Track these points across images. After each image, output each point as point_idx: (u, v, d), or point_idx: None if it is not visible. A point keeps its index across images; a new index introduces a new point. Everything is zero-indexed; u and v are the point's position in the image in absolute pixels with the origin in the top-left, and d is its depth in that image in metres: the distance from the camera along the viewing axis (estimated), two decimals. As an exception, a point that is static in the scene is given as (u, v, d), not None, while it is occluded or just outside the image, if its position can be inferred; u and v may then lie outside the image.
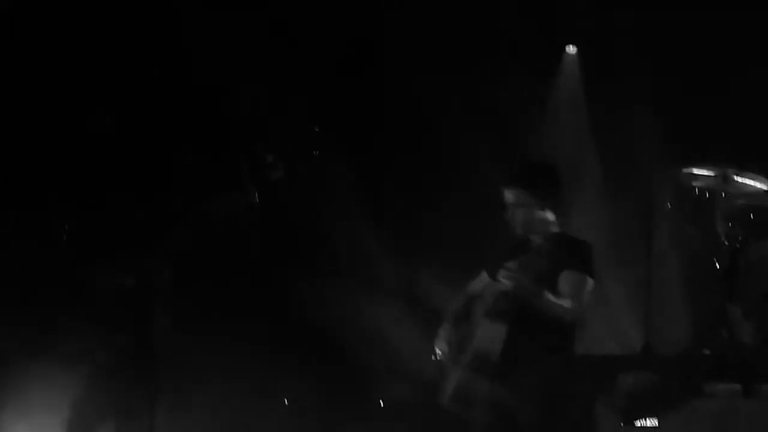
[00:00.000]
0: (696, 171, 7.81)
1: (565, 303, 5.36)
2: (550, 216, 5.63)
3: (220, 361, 8.23)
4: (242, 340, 8.23)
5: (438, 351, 5.61)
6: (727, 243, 7.78)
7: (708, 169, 7.77)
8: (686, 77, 8.86)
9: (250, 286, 8.68)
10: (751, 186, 7.80)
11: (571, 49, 9.77)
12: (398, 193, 9.36)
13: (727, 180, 7.73)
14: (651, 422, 6.87)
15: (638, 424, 6.88)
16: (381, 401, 8.14)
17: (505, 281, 5.32)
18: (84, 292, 7.99)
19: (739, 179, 7.75)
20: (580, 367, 5.77)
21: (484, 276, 5.74)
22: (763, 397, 6.66)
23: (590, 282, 5.47)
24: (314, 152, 6.57)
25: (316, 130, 6.51)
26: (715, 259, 7.99)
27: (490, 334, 5.37)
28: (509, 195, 5.63)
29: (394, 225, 9.14)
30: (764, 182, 7.78)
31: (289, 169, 5.98)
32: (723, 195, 7.85)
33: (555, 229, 5.64)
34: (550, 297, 5.35)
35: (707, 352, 7.54)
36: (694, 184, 7.97)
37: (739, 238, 7.77)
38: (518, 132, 9.33)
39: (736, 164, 7.75)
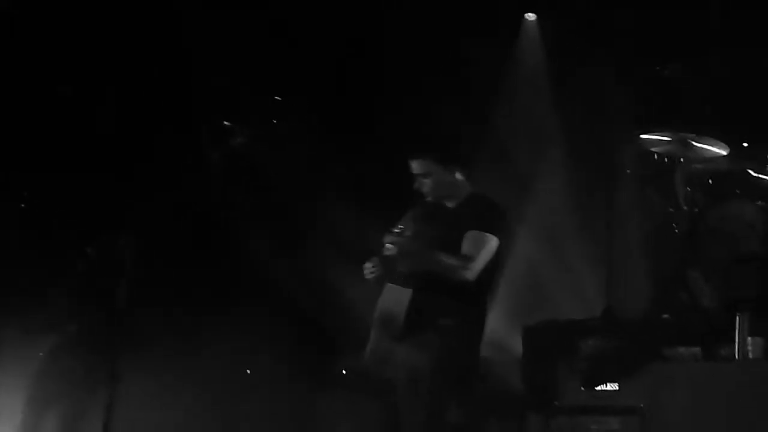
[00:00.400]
0: (655, 136, 7.86)
1: (465, 263, 5.39)
2: (459, 178, 5.66)
3: (184, 335, 8.23)
4: (207, 315, 8.24)
5: (365, 271, 5.64)
6: (686, 207, 7.85)
7: (667, 135, 7.81)
8: (646, 41, 8.86)
9: (215, 258, 8.67)
10: (710, 150, 7.85)
11: (531, 16, 9.76)
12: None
13: (685, 145, 7.78)
14: (612, 386, 6.91)
15: (599, 388, 6.92)
16: (344, 370, 8.16)
17: (388, 246, 5.33)
18: (50, 263, 7.99)
19: (698, 144, 7.80)
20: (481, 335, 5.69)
21: None
22: (723, 360, 6.71)
23: (493, 241, 5.51)
24: (274, 120, 6.55)
25: (277, 98, 6.49)
26: (675, 224, 8.06)
27: (394, 296, 5.44)
28: (415, 165, 5.73)
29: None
30: (722, 147, 7.84)
31: (250, 136, 5.97)
32: (682, 160, 7.90)
33: (467, 191, 5.68)
34: (442, 258, 5.40)
35: (667, 316, 7.59)
36: (654, 149, 8.02)
37: (698, 203, 7.84)
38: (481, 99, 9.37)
39: (694, 129, 7.79)
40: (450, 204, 5.76)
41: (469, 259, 5.44)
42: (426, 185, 5.72)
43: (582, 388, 6.95)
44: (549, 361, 7.19)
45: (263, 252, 8.69)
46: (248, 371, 8.30)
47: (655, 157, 8.17)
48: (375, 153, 8.90)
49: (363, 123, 9.19)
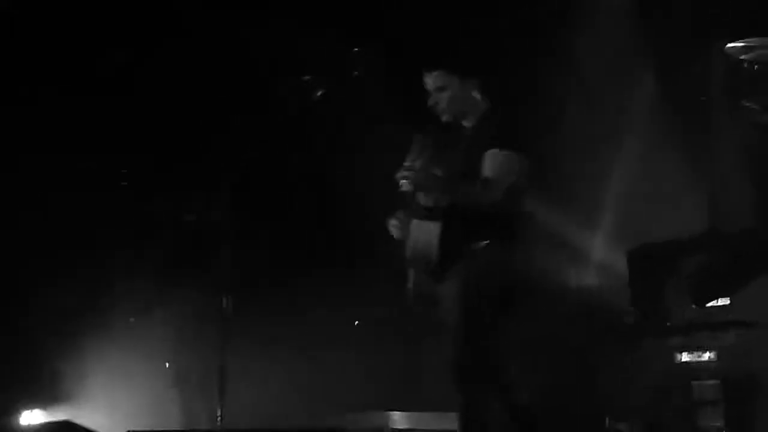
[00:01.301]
0: (742, 43, 7.65)
1: (486, 185, 5.16)
2: (476, 95, 5.45)
3: (285, 300, 8.29)
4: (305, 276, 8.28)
5: (391, 229, 5.50)
6: (786, 115, 7.65)
7: (754, 41, 7.60)
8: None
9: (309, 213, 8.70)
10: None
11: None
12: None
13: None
14: (723, 302, 6.80)
15: (710, 304, 6.81)
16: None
17: (402, 182, 5.17)
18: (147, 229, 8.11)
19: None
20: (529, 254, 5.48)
21: None
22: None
23: (514, 157, 5.25)
24: (354, 72, 6.49)
25: (356, 50, 6.43)
26: (775, 133, 7.87)
27: (423, 233, 5.24)
28: (429, 79, 5.45)
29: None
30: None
31: (329, 89, 5.92)
32: (774, 64, 7.70)
33: (484, 107, 5.46)
34: (461, 185, 5.20)
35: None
36: (743, 57, 7.80)
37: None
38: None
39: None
40: (467, 123, 5.50)
41: (489, 181, 5.19)
42: (442, 100, 5.45)
43: (693, 306, 6.83)
44: (657, 282, 7.10)
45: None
46: (356, 322, 8.32)
47: (745, 65, 7.94)
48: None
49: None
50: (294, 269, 8.34)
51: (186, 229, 7.40)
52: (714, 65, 8.47)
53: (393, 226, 5.46)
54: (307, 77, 5.95)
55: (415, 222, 5.27)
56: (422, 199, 5.26)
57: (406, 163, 5.18)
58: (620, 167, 9.06)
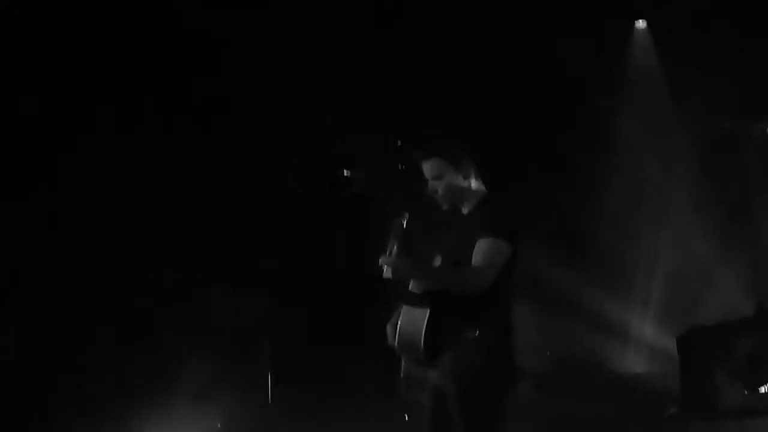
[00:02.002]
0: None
1: (467, 272, 5.17)
2: (473, 184, 5.45)
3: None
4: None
5: (389, 335, 5.45)
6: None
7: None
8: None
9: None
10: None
11: (641, 24, 9.70)
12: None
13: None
14: (775, 386, 6.78)
15: (762, 389, 6.79)
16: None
17: (384, 269, 5.15)
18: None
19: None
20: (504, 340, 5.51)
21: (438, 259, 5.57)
22: None
23: (505, 248, 5.21)
24: (400, 166, 6.55)
25: (399, 143, 6.51)
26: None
27: (410, 319, 5.23)
28: (427, 167, 5.44)
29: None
30: None
31: (371, 182, 5.97)
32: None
33: (480, 195, 5.44)
34: (444, 273, 5.23)
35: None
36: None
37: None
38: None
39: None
40: (464, 209, 5.45)
41: (478, 269, 5.17)
42: (440, 188, 5.44)
43: (745, 391, 6.81)
44: (707, 366, 7.08)
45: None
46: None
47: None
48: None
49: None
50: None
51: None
52: (756, 148, 8.55)
53: (389, 332, 5.53)
54: (347, 172, 5.99)
55: (404, 308, 5.26)
56: (412, 285, 5.26)
57: (387, 253, 5.24)
58: (665, 249, 9.12)
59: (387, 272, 5.13)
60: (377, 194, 6.55)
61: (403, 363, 5.41)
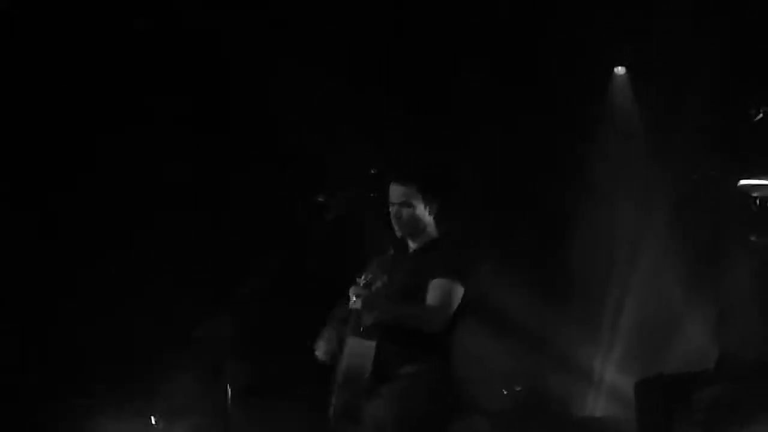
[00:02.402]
0: (754, 181, 7.77)
1: (427, 312, 5.25)
2: (430, 220, 5.53)
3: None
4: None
5: (317, 354, 5.56)
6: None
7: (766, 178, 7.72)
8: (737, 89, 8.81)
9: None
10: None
11: (620, 70, 9.76)
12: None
13: (787, 188, 7.68)
14: (733, 436, 6.80)
15: (719, 439, 6.81)
16: None
17: (353, 299, 5.23)
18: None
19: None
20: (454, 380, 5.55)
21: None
22: None
23: (459, 289, 5.31)
24: (372, 194, 6.52)
25: (373, 171, 6.49)
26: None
27: (358, 351, 5.28)
28: (397, 190, 5.53)
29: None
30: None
31: (344, 209, 5.94)
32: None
33: (434, 234, 5.55)
34: (407, 311, 5.26)
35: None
36: (754, 194, 7.92)
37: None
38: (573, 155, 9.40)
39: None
40: (413, 244, 5.58)
41: (434, 310, 5.27)
42: (404, 215, 5.52)
43: (701, 441, 6.83)
44: (665, 414, 7.10)
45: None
46: None
47: (757, 202, 8.05)
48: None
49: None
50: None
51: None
52: (727, 199, 8.59)
53: (319, 347, 5.58)
54: (321, 198, 5.98)
55: (351, 339, 5.32)
56: (363, 317, 5.29)
57: (361, 281, 5.25)
58: (634, 295, 9.17)
59: (356, 303, 5.15)
60: (353, 221, 6.53)
61: (336, 394, 5.40)
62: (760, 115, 7.80)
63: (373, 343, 5.27)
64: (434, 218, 5.56)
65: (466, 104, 9.18)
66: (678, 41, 8.97)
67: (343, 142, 8.66)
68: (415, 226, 5.51)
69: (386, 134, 8.91)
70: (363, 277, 5.32)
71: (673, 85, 9.07)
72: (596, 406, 9.30)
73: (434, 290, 5.29)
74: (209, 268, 8.53)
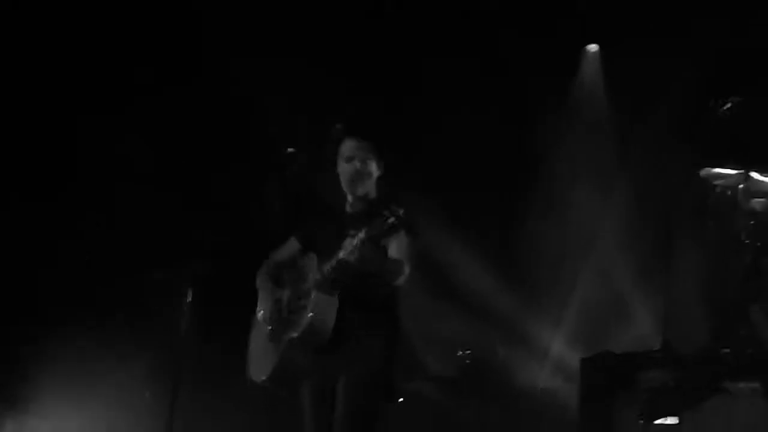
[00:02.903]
0: (716, 170, 7.82)
1: (403, 266, 5.31)
2: (376, 173, 5.56)
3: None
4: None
5: (262, 318, 5.57)
6: (748, 241, 7.77)
7: (728, 168, 7.77)
8: (707, 76, 8.86)
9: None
10: (772, 184, 7.80)
11: (593, 48, 9.78)
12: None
13: (748, 179, 7.72)
14: (671, 420, 6.87)
15: (658, 422, 6.88)
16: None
17: (350, 252, 5.19)
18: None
19: (760, 178, 7.74)
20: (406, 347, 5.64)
21: (292, 242, 5.72)
22: (783, 396, 6.66)
23: (416, 247, 5.38)
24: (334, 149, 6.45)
25: (338, 126, 6.46)
26: (737, 258, 8.00)
27: (324, 307, 5.30)
28: (353, 146, 5.54)
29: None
30: (785, 180, 7.77)
31: (310, 162, 5.92)
32: (744, 193, 7.84)
33: (373, 193, 5.57)
34: (388, 262, 5.30)
35: (727, 350, 7.52)
36: (716, 182, 7.97)
37: (761, 236, 7.77)
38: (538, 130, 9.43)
39: (757, 163, 7.75)
40: (356, 201, 5.60)
41: (401, 263, 5.33)
42: (359, 169, 5.52)
43: (640, 421, 6.90)
44: (606, 393, 7.17)
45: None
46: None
47: (718, 190, 8.10)
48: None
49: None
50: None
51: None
52: (684, 185, 8.66)
53: (260, 308, 5.61)
54: (291, 149, 5.94)
55: (316, 295, 5.32)
56: (329, 271, 5.28)
57: (357, 236, 5.21)
58: (585, 275, 9.24)
59: (353, 254, 5.11)
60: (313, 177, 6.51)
61: (287, 347, 5.39)
62: (728, 105, 7.82)
63: (335, 299, 5.30)
64: (377, 179, 5.58)
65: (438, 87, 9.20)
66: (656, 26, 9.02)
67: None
68: (360, 182, 5.51)
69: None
70: (367, 229, 5.22)
71: (646, 67, 9.09)
72: (541, 377, 9.39)
73: (397, 246, 5.32)
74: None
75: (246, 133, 8.84)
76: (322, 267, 5.35)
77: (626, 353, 7.58)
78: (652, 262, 8.95)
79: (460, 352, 8.97)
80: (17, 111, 8.48)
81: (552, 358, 9.35)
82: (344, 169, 5.56)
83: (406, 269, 5.33)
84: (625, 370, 7.19)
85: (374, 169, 5.55)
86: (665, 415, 6.91)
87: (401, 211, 5.09)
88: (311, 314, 5.29)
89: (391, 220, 5.06)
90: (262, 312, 5.61)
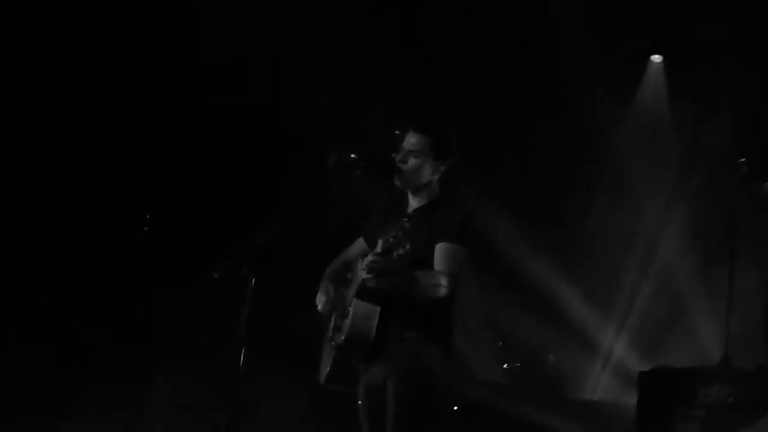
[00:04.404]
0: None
1: (439, 278, 5.22)
2: (434, 179, 5.45)
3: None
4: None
5: (318, 307, 5.59)
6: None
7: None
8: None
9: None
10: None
11: (657, 58, 9.71)
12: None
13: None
14: (730, 438, 6.81)
15: (716, 439, 6.83)
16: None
17: (367, 275, 5.16)
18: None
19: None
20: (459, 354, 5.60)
21: (360, 242, 5.69)
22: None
23: (463, 253, 5.29)
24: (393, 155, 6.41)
25: (397, 132, 6.39)
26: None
27: (363, 314, 5.25)
28: (412, 139, 5.43)
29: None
30: None
31: (370, 167, 5.88)
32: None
33: (435, 194, 5.48)
34: (420, 277, 5.21)
35: (788, 366, 7.44)
36: (772, 195, 7.88)
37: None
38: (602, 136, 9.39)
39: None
40: (414, 201, 5.52)
41: (443, 275, 5.23)
42: (411, 164, 5.42)
43: (698, 437, 6.85)
44: (665, 407, 7.10)
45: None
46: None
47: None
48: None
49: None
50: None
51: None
52: (743, 198, 8.57)
53: (319, 300, 5.61)
54: (353, 155, 5.89)
55: (357, 302, 5.29)
56: (369, 280, 5.25)
57: (372, 257, 5.16)
58: (646, 286, 9.18)
59: (373, 270, 5.09)
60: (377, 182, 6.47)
61: (335, 354, 5.40)
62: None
63: (377, 308, 5.27)
64: (438, 179, 5.51)
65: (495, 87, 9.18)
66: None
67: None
68: (416, 178, 5.44)
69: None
70: (383, 241, 5.24)
71: (709, 76, 9.02)
72: (596, 389, 9.34)
73: (441, 254, 5.26)
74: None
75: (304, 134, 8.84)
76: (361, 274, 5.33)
77: (686, 368, 7.49)
78: (714, 275, 8.84)
79: (510, 365, 8.94)
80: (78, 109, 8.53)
81: (609, 370, 9.30)
82: (397, 159, 5.46)
83: (443, 280, 5.24)
84: (684, 384, 7.11)
85: (425, 166, 5.44)
86: (723, 431, 6.85)
87: (406, 225, 5.04)
88: (350, 321, 5.28)
89: (391, 234, 5.04)
90: (320, 305, 5.62)
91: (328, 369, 5.46)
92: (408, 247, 5.11)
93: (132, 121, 8.68)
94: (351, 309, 5.29)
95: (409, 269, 5.22)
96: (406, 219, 5.22)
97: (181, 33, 8.69)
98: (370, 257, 5.15)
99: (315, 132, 8.72)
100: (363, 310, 5.28)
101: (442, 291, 5.25)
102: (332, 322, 5.57)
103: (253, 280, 5.89)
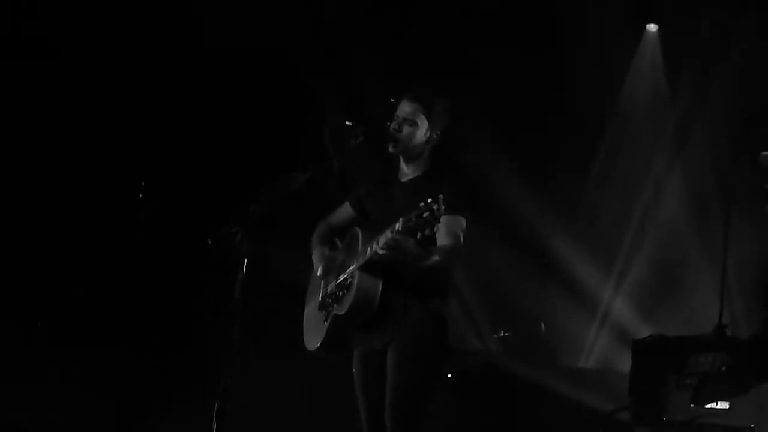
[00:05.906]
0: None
1: (446, 253, 5.23)
2: (428, 147, 5.40)
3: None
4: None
5: (318, 272, 5.58)
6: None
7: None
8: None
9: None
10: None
11: (652, 27, 9.69)
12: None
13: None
14: (722, 404, 6.83)
15: (709, 405, 6.84)
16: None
17: (385, 251, 5.10)
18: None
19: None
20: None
21: (346, 207, 5.68)
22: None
23: (465, 223, 5.28)
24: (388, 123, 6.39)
25: (392, 100, 6.37)
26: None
27: (368, 287, 5.24)
28: (406, 106, 5.38)
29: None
30: None
31: (368, 134, 5.85)
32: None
33: (429, 164, 5.45)
34: (431, 260, 5.21)
35: (782, 336, 7.48)
36: (774, 166, 7.86)
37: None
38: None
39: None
40: (408, 169, 5.48)
41: (450, 250, 5.24)
42: (405, 132, 5.37)
43: (691, 405, 6.86)
44: (658, 374, 7.13)
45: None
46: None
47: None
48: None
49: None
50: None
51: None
52: (741, 167, 8.58)
53: (317, 264, 5.61)
54: (348, 122, 5.86)
55: (362, 275, 5.27)
56: (371, 253, 5.20)
57: (392, 236, 5.07)
58: (640, 256, 9.20)
59: (389, 249, 5.08)
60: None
61: (333, 322, 5.39)
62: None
63: (380, 280, 5.28)
64: (433, 147, 5.49)
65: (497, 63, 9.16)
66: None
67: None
68: (411, 146, 5.42)
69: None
70: (405, 220, 5.17)
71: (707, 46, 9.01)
72: (589, 357, 9.38)
73: (444, 228, 5.22)
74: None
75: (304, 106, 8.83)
76: (365, 246, 5.31)
77: (679, 336, 7.52)
78: (708, 245, 8.86)
79: (502, 333, 8.95)
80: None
81: (603, 339, 9.33)
82: (391, 127, 5.41)
83: (450, 257, 5.25)
84: (677, 353, 7.14)
85: (422, 133, 5.40)
86: (716, 400, 6.88)
87: (441, 205, 5.00)
88: (354, 293, 5.27)
89: (426, 214, 4.93)
90: (319, 269, 5.58)
91: (323, 337, 5.44)
92: (437, 228, 5.08)
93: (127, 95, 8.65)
94: (355, 281, 5.28)
95: (427, 252, 5.21)
96: (434, 200, 5.12)
97: (180, 22, 8.66)
98: (391, 235, 5.08)
99: (314, 101, 8.71)
100: (367, 283, 5.27)
101: (449, 264, 5.30)
102: (325, 289, 5.56)
103: (247, 246, 5.92)
